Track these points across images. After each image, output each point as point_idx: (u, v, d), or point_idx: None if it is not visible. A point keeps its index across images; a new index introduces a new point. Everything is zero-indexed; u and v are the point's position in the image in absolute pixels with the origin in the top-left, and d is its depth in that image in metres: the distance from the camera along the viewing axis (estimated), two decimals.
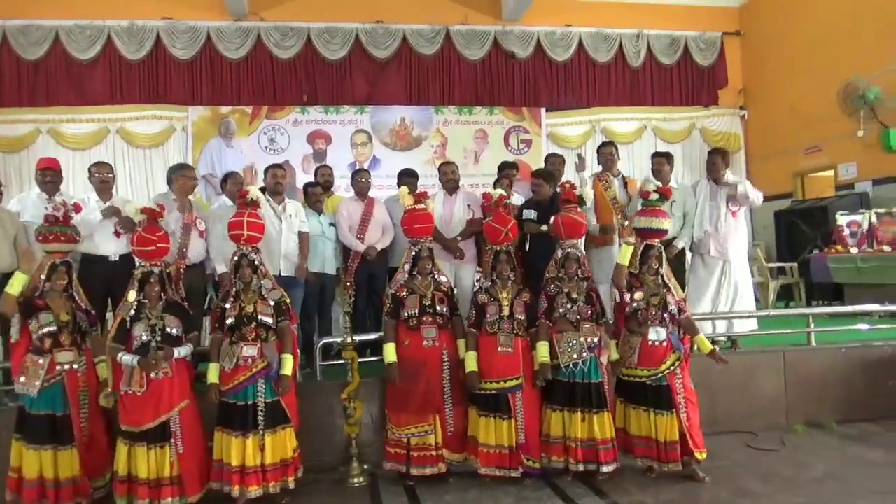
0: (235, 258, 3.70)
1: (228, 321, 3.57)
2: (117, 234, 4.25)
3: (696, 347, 3.90)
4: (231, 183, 4.89)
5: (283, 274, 4.46)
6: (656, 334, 3.74)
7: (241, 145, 8.83)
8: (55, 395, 3.42)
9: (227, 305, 3.62)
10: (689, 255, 5.19)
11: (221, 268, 4.34)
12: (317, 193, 5.10)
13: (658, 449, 3.70)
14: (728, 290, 4.98)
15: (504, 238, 4.03)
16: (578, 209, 4.11)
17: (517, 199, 5.13)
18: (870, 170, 8.11)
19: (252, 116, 8.92)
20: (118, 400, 3.44)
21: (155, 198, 4.67)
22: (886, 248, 6.65)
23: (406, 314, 3.87)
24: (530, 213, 4.69)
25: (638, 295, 3.81)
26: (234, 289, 3.66)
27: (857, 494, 3.50)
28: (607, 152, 5.34)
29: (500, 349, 3.77)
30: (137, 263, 3.68)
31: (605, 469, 3.66)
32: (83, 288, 3.73)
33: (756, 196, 4.88)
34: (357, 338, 4.17)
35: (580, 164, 5.58)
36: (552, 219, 4.13)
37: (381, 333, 4.06)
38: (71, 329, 3.53)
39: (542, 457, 3.78)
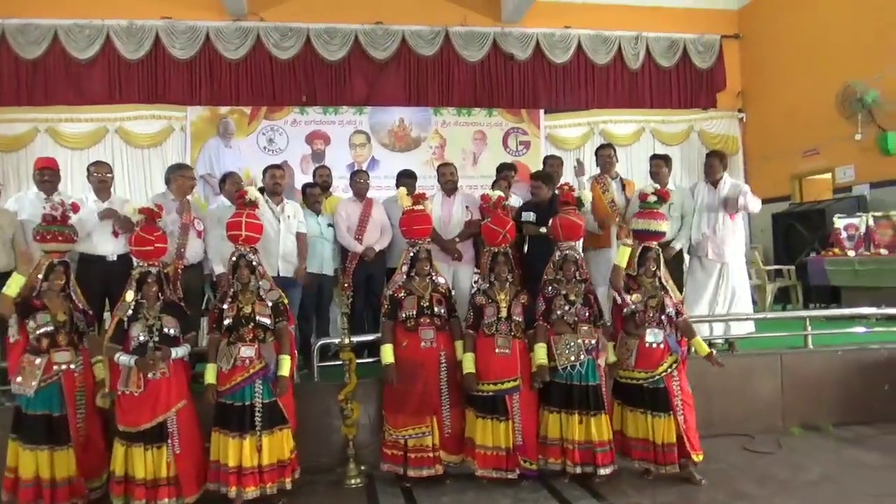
0: (233, 258, 3.70)
1: (226, 322, 3.57)
2: (115, 234, 4.24)
3: (692, 350, 3.91)
4: (229, 183, 4.88)
5: (281, 274, 4.46)
6: (654, 336, 3.74)
7: (240, 145, 8.84)
8: (52, 396, 3.42)
9: (225, 306, 3.62)
10: (686, 257, 5.20)
11: (219, 268, 4.33)
12: (315, 194, 5.10)
13: (655, 451, 3.70)
14: (725, 293, 5.00)
15: (502, 240, 4.03)
16: (577, 211, 4.12)
17: (515, 200, 5.14)
18: (867, 173, 8.14)
19: (251, 117, 8.93)
20: (115, 400, 3.44)
21: (153, 198, 4.67)
22: (883, 252, 6.66)
23: (404, 315, 3.87)
24: (529, 216, 4.69)
25: (635, 297, 3.81)
26: (232, 289, 3.66)
27: (853, 497, 3.51)
28: (605, 155, 5.35)
29: (497, 351, 3.78)
30: (135, 263, 3.68)
31: (602, 472, 3.66)
32: (81, 288, 3.72)
33: (755, 206, 4.91)
34: (355, 339, 4.17)
35: (579, 169, 5.58)
36: (550, 221, 4.13)
37: (379, 334, 4.06)
38: (68, 329, 3.53)
39: (539, 459, 3.78)
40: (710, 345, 4.58)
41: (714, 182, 5.05)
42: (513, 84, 9.65)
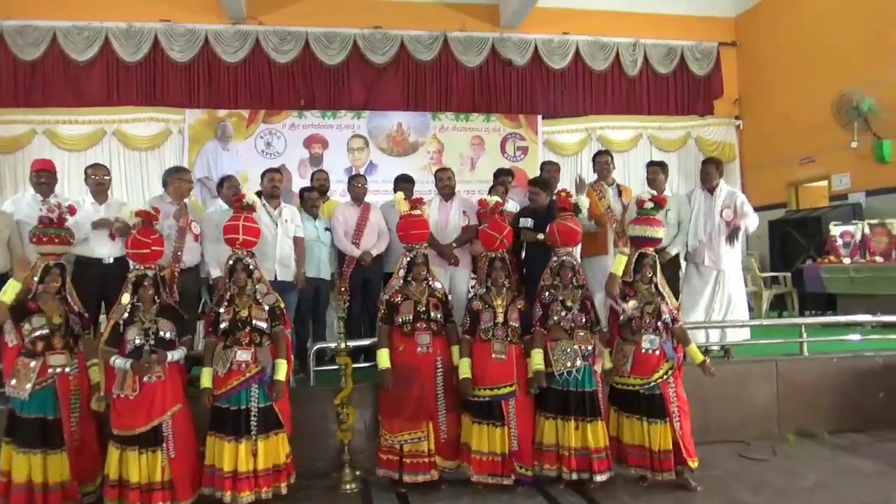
0: (230, 262, 3.69)
1: (223, 325, 3.56)
2: (112, 236, 4.25)
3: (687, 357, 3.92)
4: (227, 186, 4.87)
5: (278, 278, 4.45)
6: (650, 343, 3.74)
7: (238, 149, 8.84)
8: (46, 399, 3.40)
9: (222, 309, 3.61)
10: (683, 264, 5.21)
11: (216, 272, 4.32)
12: (313, 198, 5.10)
13: (651, 458, 3.69)
14: (721, 300, 5.01)
15: (499, 245, 4.04)
16: (574, 217, 4.12)
17: (512, 205, 5.14)
18: (863, 181, 8.17)
19: (249, 120, 8.93)
20: (110, 404, 3.42)
21: (150, 200, 4.65)
22: (879, 259, 6.70)
23: (400, 320, 3.87)
24: (527, 222, 4.70)
25: (632, 303, 3.82)
26: (229, 293, 3.66)
27: None
28: (602, 161, 5.36)
29: (493, 356, 3.78)
30: (132, 266, 3.68)
31: (598, 478, 3.66)
32: (77, 290, 3.72)
33: (754, 225, 4.97)
34: (351, 343, 4.15)
35: (580, 185, 5.57)
36: (548, 227, 4.14)
37: (375, 339, 4.05)
38: (63, 332, 3.51)
39: (535, 465, 3.77)
40: (706, 352, 4.60)
41: (710, 189, 5.07)
42: (511, 90, 9.69)
